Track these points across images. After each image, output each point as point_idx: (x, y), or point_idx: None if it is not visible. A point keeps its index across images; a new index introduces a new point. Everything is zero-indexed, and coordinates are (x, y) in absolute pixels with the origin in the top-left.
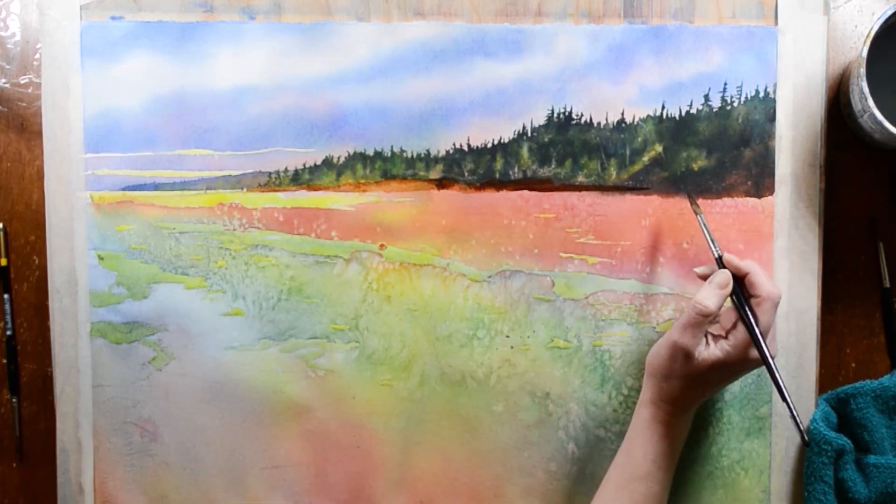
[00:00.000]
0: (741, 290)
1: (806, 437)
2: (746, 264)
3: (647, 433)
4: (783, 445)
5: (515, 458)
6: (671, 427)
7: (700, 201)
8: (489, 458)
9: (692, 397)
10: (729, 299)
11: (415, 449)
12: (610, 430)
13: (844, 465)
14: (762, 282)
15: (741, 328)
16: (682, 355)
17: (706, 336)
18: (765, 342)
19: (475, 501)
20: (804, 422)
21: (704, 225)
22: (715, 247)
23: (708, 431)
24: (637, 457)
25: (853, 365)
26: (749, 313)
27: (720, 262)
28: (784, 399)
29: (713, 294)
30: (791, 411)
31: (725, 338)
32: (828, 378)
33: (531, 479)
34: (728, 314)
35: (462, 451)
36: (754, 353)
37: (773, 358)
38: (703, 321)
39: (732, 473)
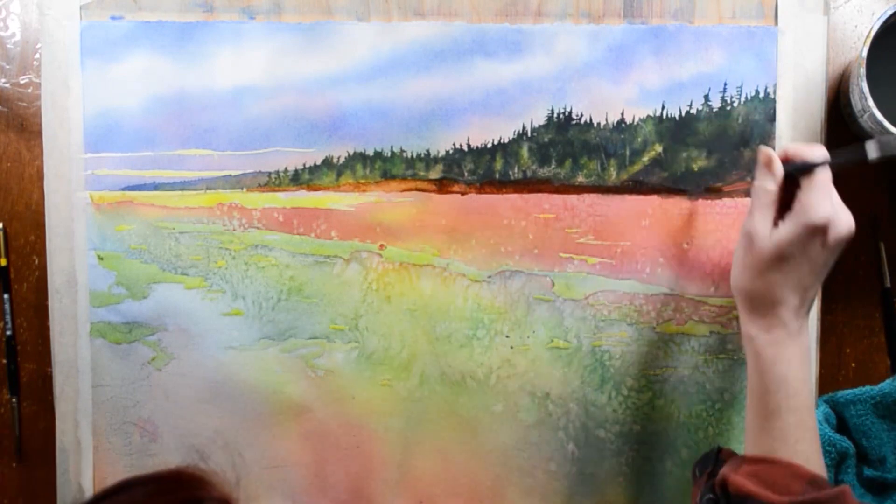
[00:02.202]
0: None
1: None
2: (784, 147)
3: (759, 364)
4: None
5: (515, 458)
6: (782, 346)
7: (700, 201)
8: (489, 458)
9: (790, 289)
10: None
11: (415, 449)
12: (610, 431)
13: (846, 469)
14: (800, 150)
15: (801, 195)
16: (758, 241)
17: (776, 221)
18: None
19: (475, 501)
20: None
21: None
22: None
23: (708, 432)
24: (758, 394)
25: (853, 365)
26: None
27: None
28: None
29: (765, 175)
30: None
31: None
32: (828, 378)
33: (531, 479)
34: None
35: (462, 451)
36: (820, 214)
37: (853, 227)
38: (767, 199)
39: None
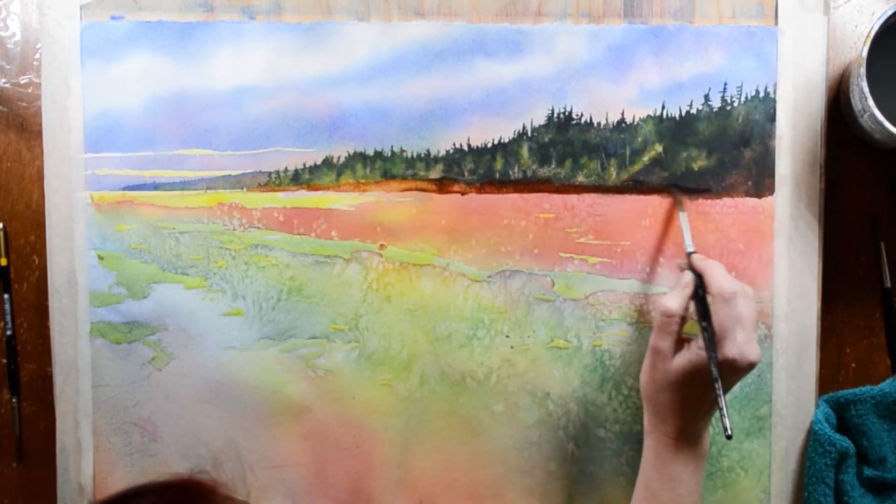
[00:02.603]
0: (702, 290)
1: (730, 432)
2: (705, 264)
3: (657, 462)
4: (783, 446)
5: (515, 458)
6: (679, 451)
7: (700, 201)
8: (489, 458)
9: (686, 411)
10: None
11: (415, 449)
12: (610, 431)
13: (846, 469)
14: (713, 280)
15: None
16: (660, 360)
17: (684, 342)
18: (712, 341)
19: (475, 501)
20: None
21: (685, 223)
22: (688, 243)
23: (708, 431)
24: (654, 489)
25: (853, 365)
26: (703, 313)
27: (689, 260)
28: (718, 402)
29: (675, 294)
30: (722, 408)
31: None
32: (828, 378)
33: (531, 479)
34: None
35: (462, 451)
36: (730, 352)
37: (756, 362)
38: (667, 322)
39: (732, 474)
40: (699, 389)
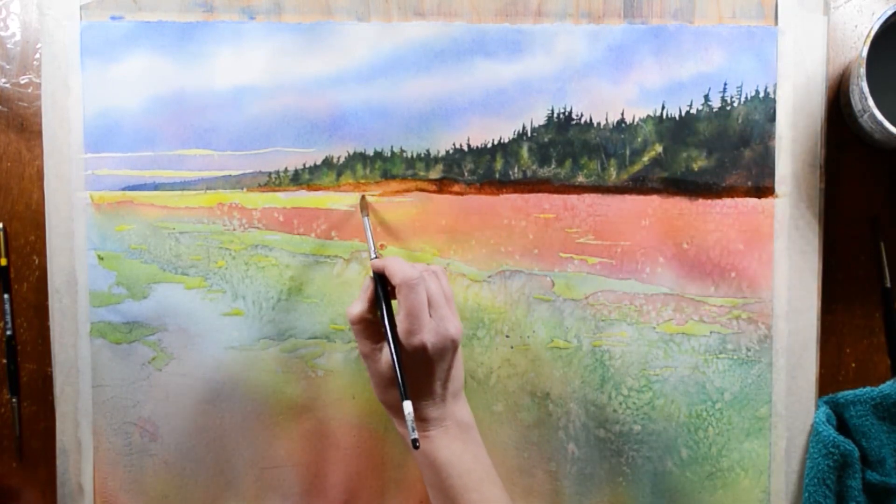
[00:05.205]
0: (385, 290)
1: (417, 444)
2: (384, 261)
3: (422, 457)
4: (783, 446)
5: (515, 458)
6: (435, 438)
7: (700, 201)
8: (489, 458)
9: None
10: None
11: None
12: (610, 431)
13: (853, 474)
14: (393, 271)
15: (398, 321)
16: (371, 364)
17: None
18: (392, 329)
19: None
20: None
21: (368, 228)
22: (373, 250)
23: (708, 432)
24: (435, 486)
25: (853, 365)
26: (384, 307)
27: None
28: (401, 391)
29: (357, 300)
30: (409, 420)
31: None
32: (828, 378)
33: (531, 479)
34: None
35: None
36: (425, 335)
37: (455, 336)
38: (358, 328)
39: (732, 474)
40: (412, 377)
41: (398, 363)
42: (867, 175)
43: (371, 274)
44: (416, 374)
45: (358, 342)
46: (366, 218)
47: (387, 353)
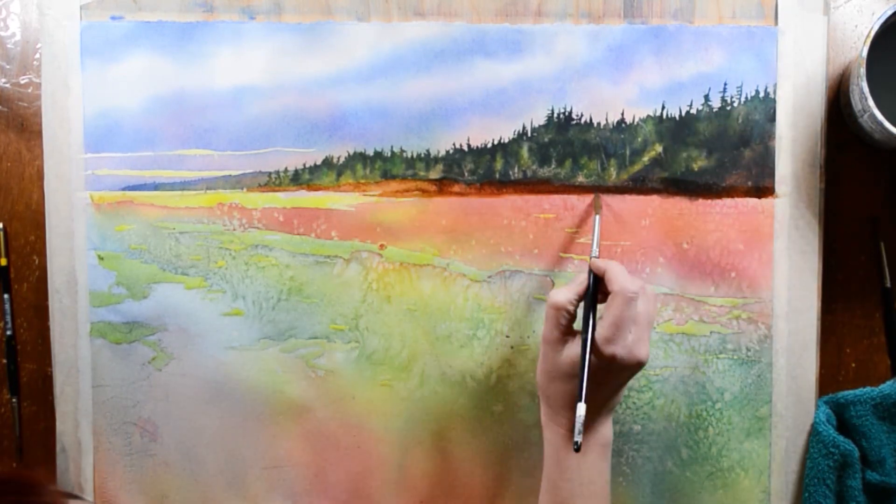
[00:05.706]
0: (596, 290)
1: (579, 447)
2: (607, 264)
3: (553, 453)
4: (783, 446)
5: (515, 458)
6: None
7: (700, 201)
8: (489, 458)
9: (573, 401)
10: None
11: (415, 449)
12: None
13: (853, 475)
14: (615, 278)
15: (600, 326)
16: (550, 352)
17: (576, 335)
18: (592, 336)
19: (475, 501)
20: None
21: (597, 225)
22: (595, 249)
23: (708, 432)
24: (553, 480)
25: (853, 365)
26: (590, 313)
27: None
28: (580, 393)
29: (566, 288)
30: (579, 422)
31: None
32: (828, 378)
33: (531, 479)
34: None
35: (462, 451)
36: (619, 349)
37: (643, 360)
38: (555, 314)
39: (732, 474)
40: (589, 382)
41: (587, 365)
42: (867, 175)
43: (588, 271)
44: (593, 380)
45: (546, 326)
46: (597, 216)
47: (571, 349)
